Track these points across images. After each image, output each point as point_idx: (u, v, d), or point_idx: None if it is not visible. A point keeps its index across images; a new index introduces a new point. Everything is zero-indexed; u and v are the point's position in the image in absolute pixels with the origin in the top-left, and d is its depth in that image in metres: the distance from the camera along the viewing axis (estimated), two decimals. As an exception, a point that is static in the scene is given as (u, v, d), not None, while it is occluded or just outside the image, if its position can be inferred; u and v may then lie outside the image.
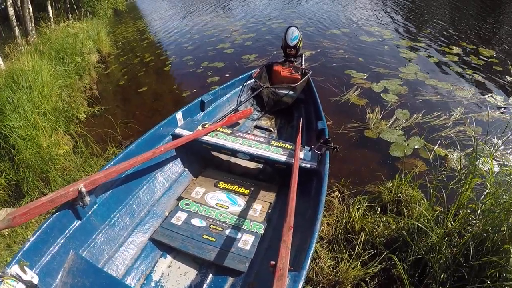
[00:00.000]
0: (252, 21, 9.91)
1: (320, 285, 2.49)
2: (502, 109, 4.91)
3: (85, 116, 5.45)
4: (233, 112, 3.88)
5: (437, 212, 2.85)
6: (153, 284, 2.20)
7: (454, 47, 7.33)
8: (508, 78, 5.90)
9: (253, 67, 4.79)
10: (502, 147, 4.02)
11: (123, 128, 4.48)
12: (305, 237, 2.00)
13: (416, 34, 8.36)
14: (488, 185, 2.65)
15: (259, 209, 2.70)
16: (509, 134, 4.22)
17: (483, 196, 2.73)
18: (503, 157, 3.85)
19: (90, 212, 2.21)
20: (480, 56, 6.87)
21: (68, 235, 2.05)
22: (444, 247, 2.45)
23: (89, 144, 4.16)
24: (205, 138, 3.02)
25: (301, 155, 2.83)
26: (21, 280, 1.64)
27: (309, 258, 1.76)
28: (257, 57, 7.00)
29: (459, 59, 6.71)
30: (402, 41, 7.77)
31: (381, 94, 5.30)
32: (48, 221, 1.94)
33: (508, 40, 8.11)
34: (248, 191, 2.89)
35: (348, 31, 8.38)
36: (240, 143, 2.98)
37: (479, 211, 2.56)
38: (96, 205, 2.28)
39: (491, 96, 5.25)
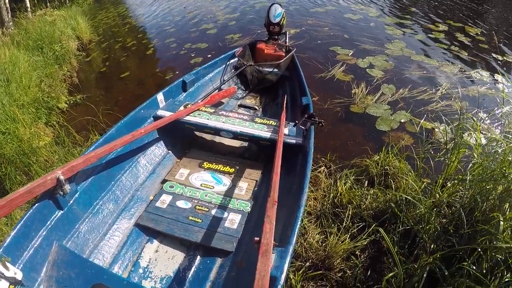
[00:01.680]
0: (236, 1, 9.69)
1: (310, 261, 2.44)
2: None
3: (66, 105, 5.25)
4: (216, 91, 3.81)
5: (425, 183, 2.82)
6: (141, 270, 2.15)
7: (440, 24, 7.27)
8: (494, 55, 5.89)
9: (237, 46, 4.67)
10: (488, 121, 4.01)
11: (106, 115, 4.31)
12: (291, 212, 1.97)
13: (402, 12, 8.29)
14: (475, 155, 2.62)
15: (245, 187, 2.66)
16: (496, 108, 4.21)
17: (470, 166, 2.71)
18: (489, 131, 3.80)
19: (71, 201, 2.14)
20: (466, 34, 6.85)
21: (50, 226, 1.97)
22: (433, 218, 2.42)
23: (71, 133, 4.02)
24: (188, 118, 2.94)
25: (286, 131, 2.79)
26: (4, 277, 1.55)
27: (296, 232, 1.73)
28: (241, 37, 6.85)
29: (445, 36, 6.67)
30: (388, 18, 7.69)
31: (367, 69, 5.23)
32: (28, 214, 1.86)
33: (494, 19, 8.10)
34: (233, 169, 2.84)
35: (333, 9, 8.24)
36: (223, 122, 2.92)
37: (467, 181, 2.51)
38: (78, 193, 2.19)
39: (477, 72, 5.22)
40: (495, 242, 2.07)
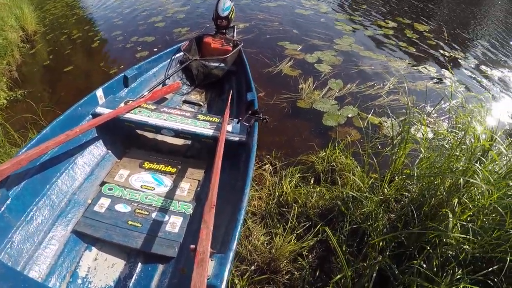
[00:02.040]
0: (187, -6, 9.44)
1: (255, 264, 2.31)
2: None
3: (5, 101, 4.81)
4: (160, 86, 3.62)
5: (372, 179, 2.72)
6: (79, 281, 1.99)
7: (389, 21, 7.33)
8: (441, 51, 5.96)
9: (184, 40, 4.45)
10: (435, 115, 4.00)
11: (46, 112, 4.00)
12: (234, 214, 1.86)
13: (352, 8, 8.30)
14: (423, 150, 2.55)
15: (187, 188, 2.52)
16: (442, 103, 4.17)
17: (417, 161, 2.63)
18: (436, 124, 3.78)
19: (2, 209, 1.95)
20: (415, 30, 6.94)
21: None
22: (380, 215, 2.35)
23: (9, 132, 3.63)
24: (127, 115, 2.75)
25: (229, 128, 2.68)
26: None
27: (236, 238, 1.64)
28: (189, 30, 6.61)
29: (394, 33, 6.71)
30: (338, 14, 7.65)
31: (315, 64, 5.12)
32: None
33: (442, 16, 8.25)
34: (175, 169, 2.68)
35: (284, 4, 8.13)
36: (164, 119, 2.75)
37: (415, 176, 2.42)
38: (9, 200, 2.00)
39: (425, 67, 5.26)
40: (445, 240, 2.00)
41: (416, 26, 7.14)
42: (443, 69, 5.24)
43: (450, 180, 2.23)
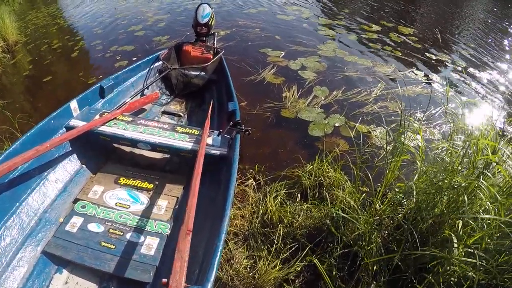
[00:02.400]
0: (167, 2, 9.29)
1: None
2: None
3: None
4: (138, 96, 3.46)
5: (364, 195, 2.53)
6: None
7: (373, 25, 7.21)
8: (427, 54, 5.85)
9: (164, 48, 4.27)
10: (425, 122, 3.84)
11: (23, 124, 3.78)
12: (213, 237, 1.73)
13: (335, 13, 8.18)
14: (418, 162, 2.35)
15: (165, 205, 2.39)
16: (432, 108, 4.04)
17: (415, 175, 2.41)
18: (428, 132, 3.61)
19: None
20: (400, 34, 6.82)
21: None
22: (374, 235, 2.17)
23: None
24: (102, 128, 2.62)
25: (209, 140, 2.57)
26: None
27: (215, 266, 1.51)
28: (169, 39, 6.46)
29: (378, 37, 6.59)
30: (321, 19, 7.53)
31: (299, 71, 4.93)
32: None
33: (426, 19, 8.20)
34: (152, 185, 2.54)
35: (266, 10, 7.98)
36: (141, 132, 2.62)
37: (413, 193, 2.20)
38: None
39: (412, 71, 5.11)
40: (448, 268, 1.81)
41: (401, 29, 7.03)
42: (431, 73, 5.11)
43: (450, 197, 2.05)
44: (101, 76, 5.19)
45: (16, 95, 5.38)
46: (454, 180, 2.00)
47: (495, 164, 1.97)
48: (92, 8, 9.86)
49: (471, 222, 1.84)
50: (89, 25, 8.27)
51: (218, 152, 2.48)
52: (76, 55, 6.49)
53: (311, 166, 2.95)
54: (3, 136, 3.54)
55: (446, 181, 2.03)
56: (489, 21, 8.90)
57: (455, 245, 1.74)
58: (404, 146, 2.47)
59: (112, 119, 2.72)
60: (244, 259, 2.29)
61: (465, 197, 1.81)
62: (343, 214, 2.24)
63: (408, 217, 2.16)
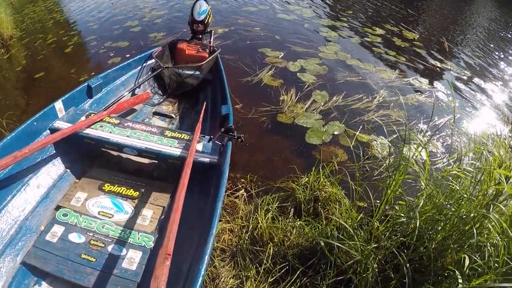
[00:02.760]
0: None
1: None
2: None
3: None
4: (129, 96, 3.32)
5: (361, 215, 2.32)
6: None
7: (377, 28, 7.03)
8: (432, 61, 5.66)
9: (159, 45, 4.08)
10: (429, 133, 3.67)
11: (13, 121, 3.67)
12: (198, 255, 1.62)
13: (338, 14, 8.00)
14: (423, 182, 2.17)
15: (149, 216, 2.26)
16: (436, 119, 3.85)
17: (417, 193, 2.28)
18: (430, 143, 3.40)
19: None
20: (404, 39, 6.64)
21: None
22: (370, 260, 1.97)
23: None
24: (87, 131, 2.48)
25: (199, 146, 2.44)
26: None
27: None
28: (165, 35, 6.26)
29: (382, 40, 6.40)
30: (323, 20, 7.32)
31: (298, 74, 4.73)
32: None
33: (431, 24, 8.01)
34: (138, 193, 2.40)
35: (266, 9, 7.79)
36: (127, 136, 2.49)
37: (416, 216, 1.97)
38: None
39: (415, 78, 4.92)
40: None
41: (405, 34, 6.85)
42: (435, 81, 4.92)
43: (455, 224, 1.87)
44: (93, 73, 4.98)
45: (7, 91, 5.22)
46: (462, 210, 1.81)
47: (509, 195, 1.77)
48: (90, 3, 9.67)
49: (478, 259, 1.65)
50: (85, 20, 8.11)
51: (208, 160, 2.34)
52: (69, 51, 6.30)
53: (307, 179, 2.75)
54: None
55: (453, 208, 1.85)
56: (493, 29, 8.75)
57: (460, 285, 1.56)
58: (406, 161, 2.30)
59: (98, 121, 2.58)
60: (230, 278, 2.12)
61: (474, 230, 1.62)
62: (337, 243, 2.04)
63: (408, 241, 1.99)
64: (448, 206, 1.91)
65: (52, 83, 5.11)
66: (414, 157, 2.49)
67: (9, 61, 6.32)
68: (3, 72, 5.89)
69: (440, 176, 2.15)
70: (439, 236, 1.91)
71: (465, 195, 1.88)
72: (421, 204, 1.99)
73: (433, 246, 1.87)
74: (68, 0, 10.65)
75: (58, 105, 2.61)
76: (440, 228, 1.90)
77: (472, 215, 1.74)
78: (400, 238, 2.09)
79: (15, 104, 4.61)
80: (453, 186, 2.00)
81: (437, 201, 2.00)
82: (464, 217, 1.77)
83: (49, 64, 5.91)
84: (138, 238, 2.10)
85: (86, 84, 2.96)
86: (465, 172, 2.03)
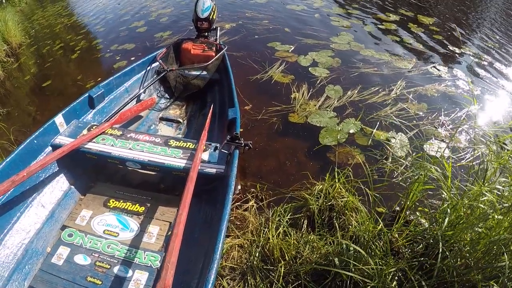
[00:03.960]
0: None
1: None
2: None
3: None
4: (134, 103, 3.22)
5: (380, 226, 2.09)
6: None
7: (391, 14, 6.77)
8: (450, 47, 5.38)
9: (165, 46, 3.95)
10: (450, 126, 3.46)
11: (22, 134, 3.67)
12: (205, 276, 1.52)
13: (349, 1, 7.72)
14: (446, 194, 2.03)
15: (156, 232, 2.17)
16: (457, 109, 3.65)
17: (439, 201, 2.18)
18: (452, 138, 3.20)
19: None
20: (420, 24, 6.37)
21: None
22: (388, 280, 1.84)
23: None
24: (89, 145, 2.39)
25: (206, 156, 2.33)
26: None
27: None
28: (171, 35, 6.14)
29: (397, 27, 6.14)
30: (334, 8, 7.08)
31: (309, 68, 4.53)
32: None
33: (447, 7, 7.70)
34: (144, 208, 2.32)
35: (274, 0, 7.59)
36: (130, 148, 2.39)
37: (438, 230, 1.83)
38: None
39: (434, 66, 4.67)
40: None
41: (420, 19, 6.57)
42: (454, 69, 4.65)
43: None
44: (99, 79, 4.93)
45: (18, 101, 5.18)
46: (493, 233, 1.64)
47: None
48: (97, 4, 9.65)
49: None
50: (92, 22, 8.09)
51: (214, 170, 2.23)
52: (76, 56, 6.25)
53: (321, 186, 2.57)
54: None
55: (482, 230, 1.68)
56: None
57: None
58: (427, 172, 2.17)
59: (100, 134, 2.49)
60: (239, 301, 1.98)
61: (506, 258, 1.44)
62: (352, 274, 1.87)
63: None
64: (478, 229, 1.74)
65: (58, 92, 5.08)
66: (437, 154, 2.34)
67: (19, 69, 6.31)
68: (13, 82, 5.87)
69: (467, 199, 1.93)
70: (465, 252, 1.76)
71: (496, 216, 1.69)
72: (444, 225, 1.82)
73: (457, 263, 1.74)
74: (76, 3, 10.67)
75: (59, 119, 2.53)
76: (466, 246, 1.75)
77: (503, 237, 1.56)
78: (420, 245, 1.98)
79: (24, 115, 4.60)
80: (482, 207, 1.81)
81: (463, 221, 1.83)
82: (495, 240, 1.60)
83: (56, 72, 5.88)
84: (145, 257, 2.03)
85: (87, 94, 2.86)
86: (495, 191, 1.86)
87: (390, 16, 6.61)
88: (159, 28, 6.57)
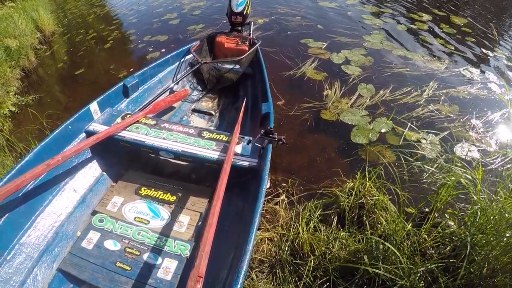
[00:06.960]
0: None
1: None
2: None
3: (14, 109, 4.50)
4: (167, 93, 3.26)
5: (409, 226, 2.16)
6: None
7: (423, 13, 6.68)
8: (483, 50, 5.31)
9: (198, 39, 4.03)
10: (481, 129, 3.48)
11: (54, 120, 3.74)
12: (235, 268, 1.55)
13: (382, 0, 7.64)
14: (476, 199, 2.08)
15: (186, 222, 2.19)
16: (489, 113, 3.64)
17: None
18: (483, 141, 3.23)
19: None
20: (452, 25, 6.29)
21: None
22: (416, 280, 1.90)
23: (15, 144, 3.33)
24: (123, 133, 2.44)
25: (239, 149, 2.35)
26: None
27: None
28: (204, 27, 6.20)
29: (429, 27, 6.08)
30: (366, 7, 7.04)
31: (342, 66, 4.57)
32: None
33: (481, 6, 7.58)
34: (175, 197, 2.34)
35: (307, -4, 7.59)
36: (164, 138, 2.43)
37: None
38: None
39: (466, 68, 4.64)
40: None
41: (453, 19, 6.48)
42: (486, 72, 4.62)
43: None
44: (132, 69, 5.06)
45: (50, 88, 5.31)
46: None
47: None
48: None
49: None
50: (125, 13, 8.17)
51: (247, 163, 2.26)
52: (109, 46, 6.38)
53: (352, 184, 2.63)
54: (32, 135, 3.45)
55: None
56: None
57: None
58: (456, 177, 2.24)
59: (134, 123, 2.55)
60: (267, 293, 2.05)
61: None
62: (382, 272, 1.93)
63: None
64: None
65: (91, 80, 5.20)
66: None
67: (52, 57, 6.46)
68: (46, 69, 6.01)
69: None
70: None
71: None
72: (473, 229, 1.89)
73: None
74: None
75: (93, 107, 2.59)
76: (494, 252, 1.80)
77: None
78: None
79: (56, 102, 4.72)
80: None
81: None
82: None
83: (89, 60, 6.01)
84: (174, 246, 2.06)
85: (122, 83, 2.93)
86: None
87: (422, 16, 6.54)
88: (192, 21, 6.62)
